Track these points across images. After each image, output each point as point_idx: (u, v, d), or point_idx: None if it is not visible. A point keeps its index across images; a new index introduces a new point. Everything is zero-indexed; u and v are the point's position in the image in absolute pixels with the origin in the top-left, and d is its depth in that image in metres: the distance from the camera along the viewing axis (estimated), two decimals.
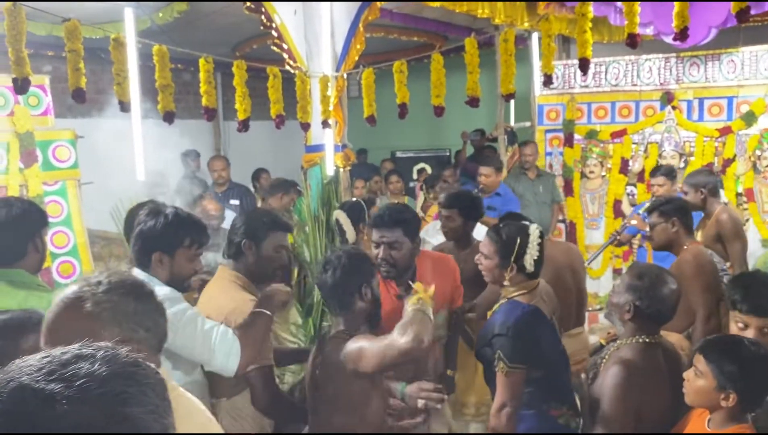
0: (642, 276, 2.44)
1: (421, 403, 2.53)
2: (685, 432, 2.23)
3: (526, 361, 2.49)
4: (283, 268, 2.72)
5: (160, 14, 5.64)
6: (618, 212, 6.39)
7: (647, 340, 2.43)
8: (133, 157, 5.10)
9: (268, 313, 2.44)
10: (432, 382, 3.06)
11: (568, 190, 6.63)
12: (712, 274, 3.33)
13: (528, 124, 7.15)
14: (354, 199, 4.60)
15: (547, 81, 3.94)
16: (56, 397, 0.77)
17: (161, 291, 2.29)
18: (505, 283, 2.60)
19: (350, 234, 3.80)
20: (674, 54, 6.32)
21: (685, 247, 3.37)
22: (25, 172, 4.84)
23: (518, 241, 2.56)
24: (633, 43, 3.71)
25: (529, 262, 2.56)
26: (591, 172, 6.46)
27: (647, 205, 4.25)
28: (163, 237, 2.30)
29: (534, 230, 2.60)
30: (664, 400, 2.37)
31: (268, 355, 2.49)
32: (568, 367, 2.75)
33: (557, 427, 2.57)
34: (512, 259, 2.56)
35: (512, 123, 8.02)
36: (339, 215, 3.85)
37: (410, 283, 2.57)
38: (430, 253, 3.25)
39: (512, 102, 7.86)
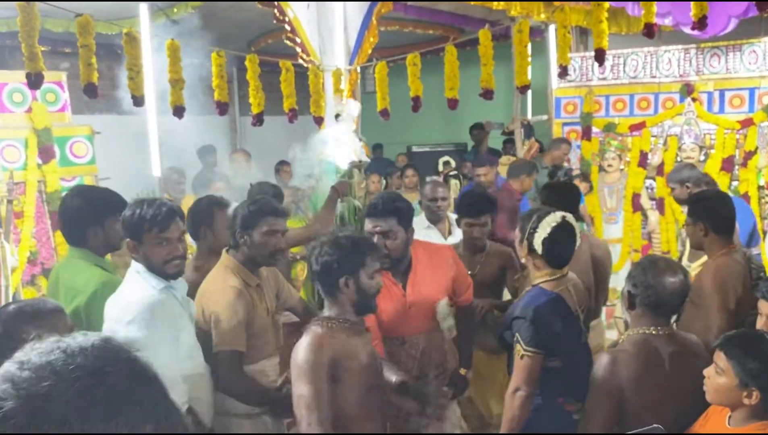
0: (637, 264, 2.42)
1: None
2: (706, 429, 2.18)
3: (543, 347, 2.51)
4: (280, 252, 2.82)
5: (175, 9, 5.66)
6: (636, 206, 6.30)
7: (648, 331, 2.34)
8: (149, 152, 5.15)
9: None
10: (441, 379, 3.04)
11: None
12: (734, 290, 2.99)
13: (545, 117, 7.09)
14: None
15: (563, 72, 3.89)
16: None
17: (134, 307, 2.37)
18: (522, 260, 2.74)
19: None
20: (694, 45, 6.21)
21: (718, 254, 3.08)
22: (44, 167, 4.89)
23: (532, 219, 2.65)
24: (650, 33, 3.65)
25: (537, 242, 2.61)
26: (609, 165, 6.37)
27: None
28: (126, 225, 2.45)
29: (555, 215, 2.63)
30: (661, 393, 2.29)
31: (239, 342, 2.61)
32: (590, 362, 2.68)
33: (570, 421, 2.54)
34: (525, 236, 2.66)
35: (529, 116, 7.94)
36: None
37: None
38: (422, 242, 3.15)
39: (529, 95, 7.79)
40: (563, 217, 2.64)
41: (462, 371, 3.11)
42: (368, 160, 4.97)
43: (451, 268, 3.04)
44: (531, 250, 2.66)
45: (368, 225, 2.84)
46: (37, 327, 1.91)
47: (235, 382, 2.61)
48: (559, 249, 2.65)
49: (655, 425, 1.88)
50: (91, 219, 2.78)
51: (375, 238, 2.79)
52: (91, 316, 2.64)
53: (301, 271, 4.78)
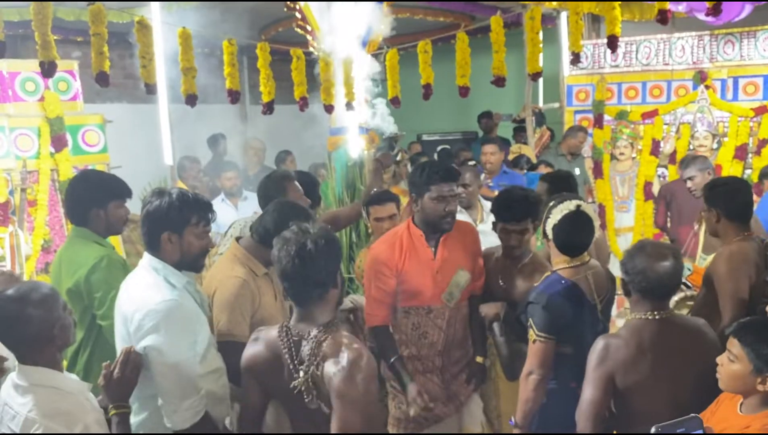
0: (627, 252, 2.43)
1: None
2: (717, 416, 2.18)
3: (555, 333, 2.57)
4: None
5: None
6: (648, 195, 6.27)
7: (645, 316, 2.36)
8: (161, 141, 5.16)
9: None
10: (462, 366, 3.05)
11: (598, 172, 6.52)
12: (747, 277, 2.95)
13: (557, 105, 7.04)
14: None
15: (575, 59, 3.86)
16: None
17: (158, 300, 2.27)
18: (537, 244, 2.79)
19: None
20: (708, 32, 6.15)
21: (733, 241, 3.06)
22: (56, 156, 4.93)
23: (549, 205, 2.72)
24: (663, 19, 3.62)
25: (548, 228, 2.68)
26: (621, 153, 6.34)
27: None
28: (170, 216, 2.32)
29: (569, 203, 2.66)
30: (657, 376, 2.31)
31: (240, 333, 2.57)
32: None
33: None
34: (537, 219, 2.76)
35: (540, 104, 7.90)
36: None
37: None
38: None
39: (541, 83, 7.72)
40: (577, 206, 2.66)
41: (479, 359, 3.11)
42: (404, 133, 4.95)
43: (476, 247, 3.12)
44: (545, 235, 2.73)
45: (441, 190, 2.88)
46: (37, 309, 1.95)
47: (234, 371, 2.54)
48: (570, 237, 2.69)
49: (692, 415, 1.87)
50: (95, 201, 2.88)
51: (449, 202, 2.89)
52: (91, 288, 2.75)
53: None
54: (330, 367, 1.95)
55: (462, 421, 3.01)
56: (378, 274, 2.94)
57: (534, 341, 2.58)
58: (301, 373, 1.99)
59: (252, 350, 2.15)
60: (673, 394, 2.30)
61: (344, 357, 1.95)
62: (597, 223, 2.78)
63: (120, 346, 2.42)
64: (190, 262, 2.39)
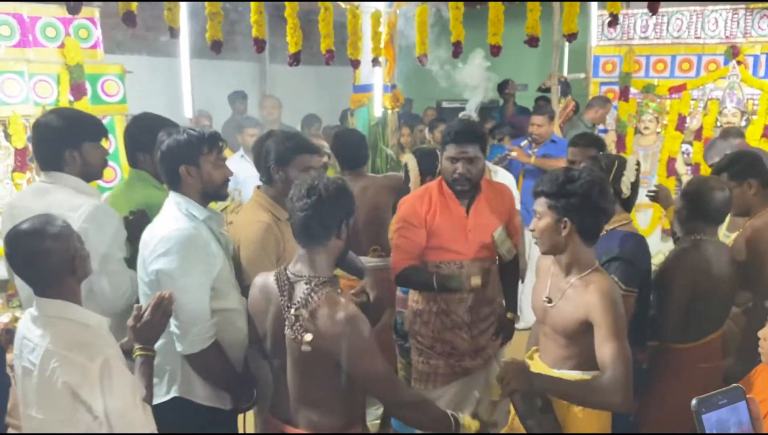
0: (689, 183, 2.82)
1: None
2: (755, 387, 2.12)
3: (638, 286, 2.61)
4: None
5: None
6: (671, 171, 6.17)
7: (698, 237, 2.70)
8: (179, 94, 5.10)
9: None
10: (492, 322, 3.05)
11: (621, 145, 6.40)
12: None
13: (582, 75, 6.91)
14: (430, 147, 4.34)
15: (614, 21, 3.73)
16: None
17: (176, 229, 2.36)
18: None
19: (415, 182, 3.59)
20: (743, 5, 6.00)
21: (759, 214, 3.00)
22: (75, 104, 4.85)
23: (616, 164, 2.75)
24: None
25: (626, 185, 2.72)
26: (646, 127, 6.21)
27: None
28: (182, 150, 2.40)
29: (633, 159, 2.78)
30: (714, 288, 2.65)
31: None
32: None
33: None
34: (610, 180, 2.68)
35: (565, 74, 7.76)
36: (409, 160, 3.66)
37: None
38: (487, 178, 3.23)
39: (566, 53, 7.58)
40: (638, 161, 2.81)
41: (509, 315, 3.12)
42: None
43: (509, 206, 3.11)
44: (617, 193, 2.70)
45: (451, 150, 2.84)
46: (55, 242, 1.92)
47: None
48: (636, 192, 2.81)
49: (735, 385, 1.83)
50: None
51: (460, 164, 2.81)
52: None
53: None
54: (325, 324, 1.97)
55: (489, 375, 2.97)
56: (406, 224, 2.92)
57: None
58: (292, 310, 2.01)
59: (251, 292, 2.25)
60: (721, 306, 2.66)
61: (340, 315, 1.97)
62: None
63: (140, 286, 2.47)
64: (214, 191, 2.48)
